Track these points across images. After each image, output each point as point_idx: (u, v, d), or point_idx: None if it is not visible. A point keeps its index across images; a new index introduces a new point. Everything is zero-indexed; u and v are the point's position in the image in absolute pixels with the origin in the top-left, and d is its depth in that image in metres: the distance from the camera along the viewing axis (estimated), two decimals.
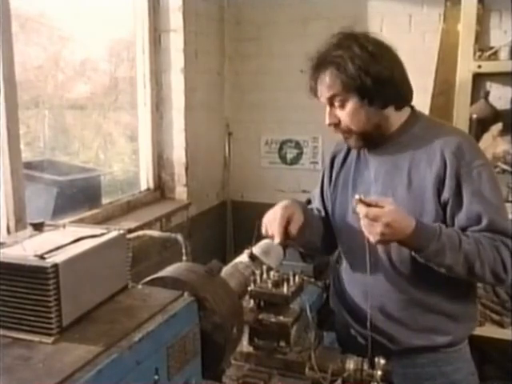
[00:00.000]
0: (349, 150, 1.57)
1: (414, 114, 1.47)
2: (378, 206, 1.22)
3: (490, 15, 2.58)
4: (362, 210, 1.22)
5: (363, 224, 1.24)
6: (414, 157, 1.41)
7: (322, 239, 1.63)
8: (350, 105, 1.37)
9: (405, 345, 1.47)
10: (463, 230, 1.33)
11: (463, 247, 1.27)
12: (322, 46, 1.40)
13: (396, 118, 1.43)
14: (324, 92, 1.39)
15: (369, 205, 1.22)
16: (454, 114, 2.41)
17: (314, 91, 1.43)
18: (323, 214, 1.66)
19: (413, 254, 1.31)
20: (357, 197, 1.24)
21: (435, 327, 1.45)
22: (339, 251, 1.67)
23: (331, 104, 1.40)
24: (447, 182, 1.35)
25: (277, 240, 1.41)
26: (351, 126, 1.40)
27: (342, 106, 1.38)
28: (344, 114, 1.39)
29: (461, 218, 1.35)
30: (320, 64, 1.39)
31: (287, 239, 1.43)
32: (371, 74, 1.33)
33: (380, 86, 1.34)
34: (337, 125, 1.42)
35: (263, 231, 1.47)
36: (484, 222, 1.32)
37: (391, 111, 1.41)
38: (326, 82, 1.38)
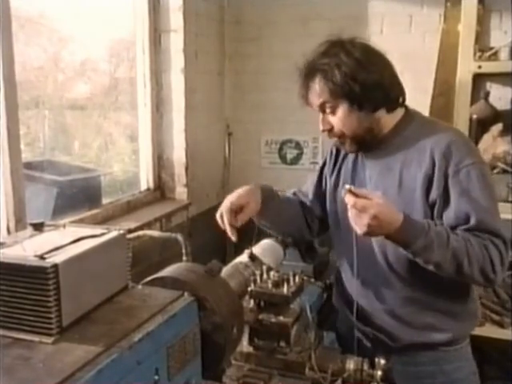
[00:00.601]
0: None
1: (408, 114, 1.47)
2: (367, 198, 1.22)
3: (491, 15, 2.58)
4: (349, 199, 1.23)
5: (350, 215, 1.24)
6: (405, 157, 1.41)
7: (300, 226, 1.66)
8: (341, 110, 1.40)
9: (405, 342, 1.47)
10: (452, 229, 1.33)
11: (451, 244, 1.27)
12: (309, 55, 1.43)
13: (388, 120, 1.44)
14: (314, 100, 1.42)
15: (358, 196, 1.23)
16: (454, 115, 2.42)
17: (305, 99, 1.46)
18: (310, 197, 1.68)
19: (400, 249, 1.30)
20: (347, 187, 1.24)
21: (434, 325, 1.45)
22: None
23: (323, 111, 1.43)
24: (435, 182, 1.35)
25: (233, 238, 1.42)
26: (344, 131, 1.42)
27: (333, 112, 1.41)
28: (336, 120, 1.42)
29: (449, 217, 1.34)
30: (308, 72, 1.42)
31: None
32: (358, 80, 1.35)
33: (368, 91, 1.36)
34: (330, 130, 1.45)
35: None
36: (472, 222, 1.31)
37: (382, 114, 1.42)
38: (316, 90, 1.40)
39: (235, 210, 1.44)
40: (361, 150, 1.49)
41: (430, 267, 1.29)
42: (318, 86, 1.40)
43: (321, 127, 1.46)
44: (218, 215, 1.46)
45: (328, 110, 1.42)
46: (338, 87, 1.36)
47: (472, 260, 1.27)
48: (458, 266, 1.27)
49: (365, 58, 1.37)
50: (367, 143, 1.45)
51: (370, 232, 1.24)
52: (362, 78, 1.35)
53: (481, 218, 1.31)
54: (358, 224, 1.23)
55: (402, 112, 1.46)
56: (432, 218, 1.36)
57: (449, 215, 1.34)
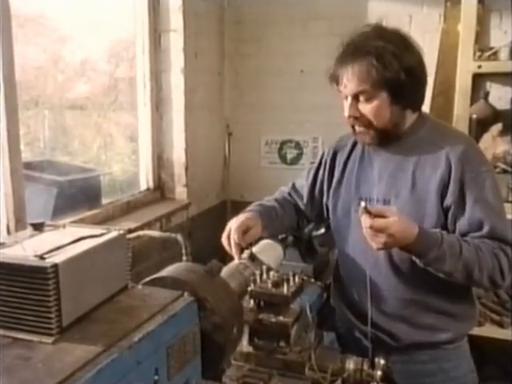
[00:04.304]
0: (352, 148, 1.56)
1: (421, 116, 1.47)
2: (384, 216, 1.22)
3: (490, 15, 2.58)
4: (366, 221, 1.22)
5: (366, 233, 1.24)
6: (419, 159, 1.40)
7: (292, 228, 1.71)
8: (378, 101, 1.33)
9: (406, 341, 1.47)
10: (464, 235, 1.34)
11: (463, 255, 1.28)
12: (355, 35, 1.35)
13: (409, 119, 1.43)
14: (352, 84, 1.33)
15: (373, 214, 1.22)
16: (453, 114, 2.41)
17: (335, 79, 1.38)
18: (304, 201, 1.68)
19: (413, 258, 1.32)
20: (362, 204, 1.23)
21: (435, 325, 1.46)
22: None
23: (356, 97, 1.35)
24: (451, 186, 1.35)
25: (236, 257, 1.44)
26: (374, 122, 1.36)
27: (369, 100, 1.34)
28: (369, 109, 1.35)
29: (462, 224, 1.35)
30: (357, 52, 1.32)
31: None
32: (407, 70, 1.30)
33: (410, 84, 1.32)
34: (356, 118, 1.37)
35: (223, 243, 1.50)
36: (485, 229, 1.32)
37: (409, 112, 1.41)
38: (360, 73, 1.31)
39: (243, 230, 1.46)
40: (379, 145, 1.44)
41: (440, 275, 1.31)
42: (365, 69, 1.30)
43: (347, 113, 1.37)
44: (224, 236, 1.49)
45: (363, 98, 1.34)
46: (387, 73, 1.29)
47: (482, 269, 1.29)
48: (468, 275, 1.29)
49: (412, 49, 1.33)
50: (388, 138, 1.41)
51: (386, 248, 1.25)
52: (412, 72, 1.30)
53: (494, 225, 1.32)
54: (375, 242, 1.24)
55: (416, 114, 1.45)
56: (445, 221, 1.37)
57: (463, 221, 1.35)
